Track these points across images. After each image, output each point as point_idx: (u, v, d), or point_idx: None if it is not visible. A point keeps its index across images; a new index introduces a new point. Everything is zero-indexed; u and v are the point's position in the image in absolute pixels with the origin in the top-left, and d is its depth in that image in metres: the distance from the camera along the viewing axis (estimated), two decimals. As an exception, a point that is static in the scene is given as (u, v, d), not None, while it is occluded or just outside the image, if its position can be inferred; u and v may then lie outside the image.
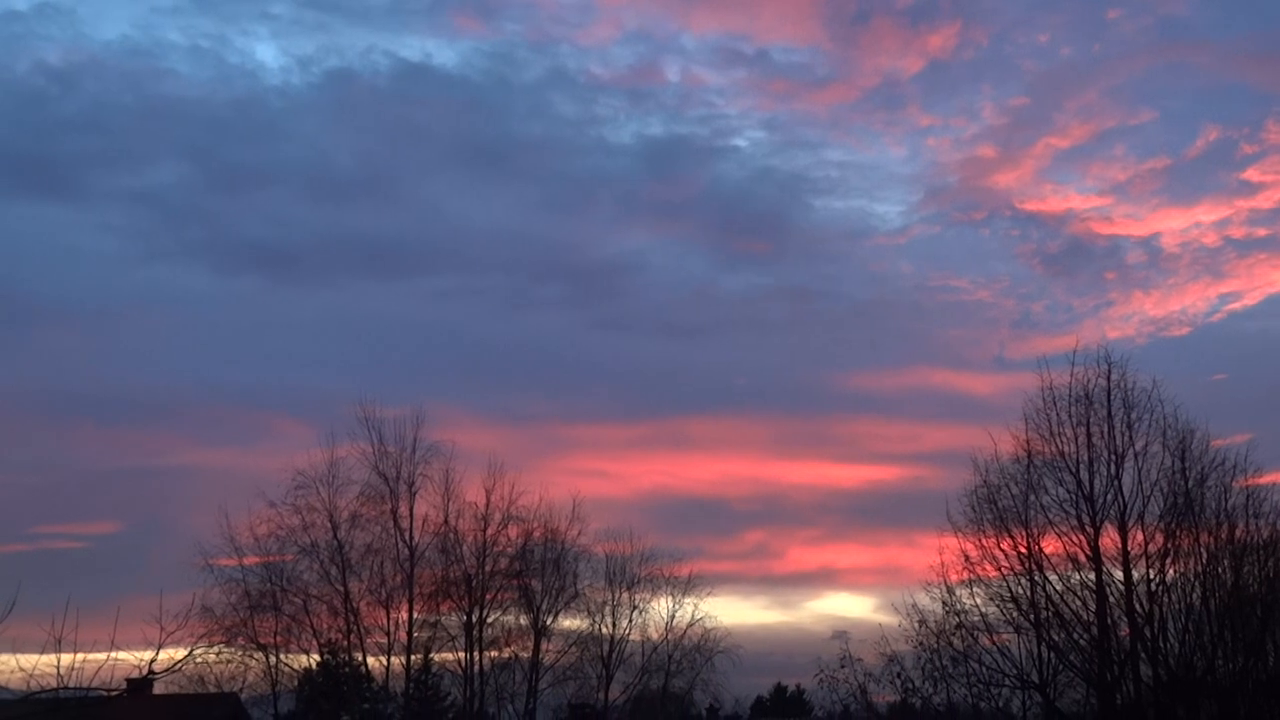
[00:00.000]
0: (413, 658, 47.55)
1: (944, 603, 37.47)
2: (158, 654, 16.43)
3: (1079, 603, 35.29)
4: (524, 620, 49.54)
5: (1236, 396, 65.49)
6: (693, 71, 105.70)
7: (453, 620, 48.25)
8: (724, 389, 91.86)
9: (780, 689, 75.63)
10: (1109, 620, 34.94)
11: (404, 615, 46.89)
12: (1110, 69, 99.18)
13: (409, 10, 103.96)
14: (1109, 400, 35.53)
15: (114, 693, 17.51)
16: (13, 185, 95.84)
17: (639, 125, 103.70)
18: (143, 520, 72.81)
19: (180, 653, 17.55)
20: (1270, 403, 65.61)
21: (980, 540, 36.65)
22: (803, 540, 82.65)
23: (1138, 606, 34.39)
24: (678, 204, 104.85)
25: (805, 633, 70.90)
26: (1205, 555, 35.05)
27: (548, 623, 49.79)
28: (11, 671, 16.40)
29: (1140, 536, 34.68)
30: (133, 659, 16.70)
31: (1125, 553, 34.59)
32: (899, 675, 38.28)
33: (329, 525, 46.55)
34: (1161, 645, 34.38)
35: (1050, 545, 35.87)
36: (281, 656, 46.46)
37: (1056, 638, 35.56)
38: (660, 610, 52.14)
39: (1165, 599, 34.61)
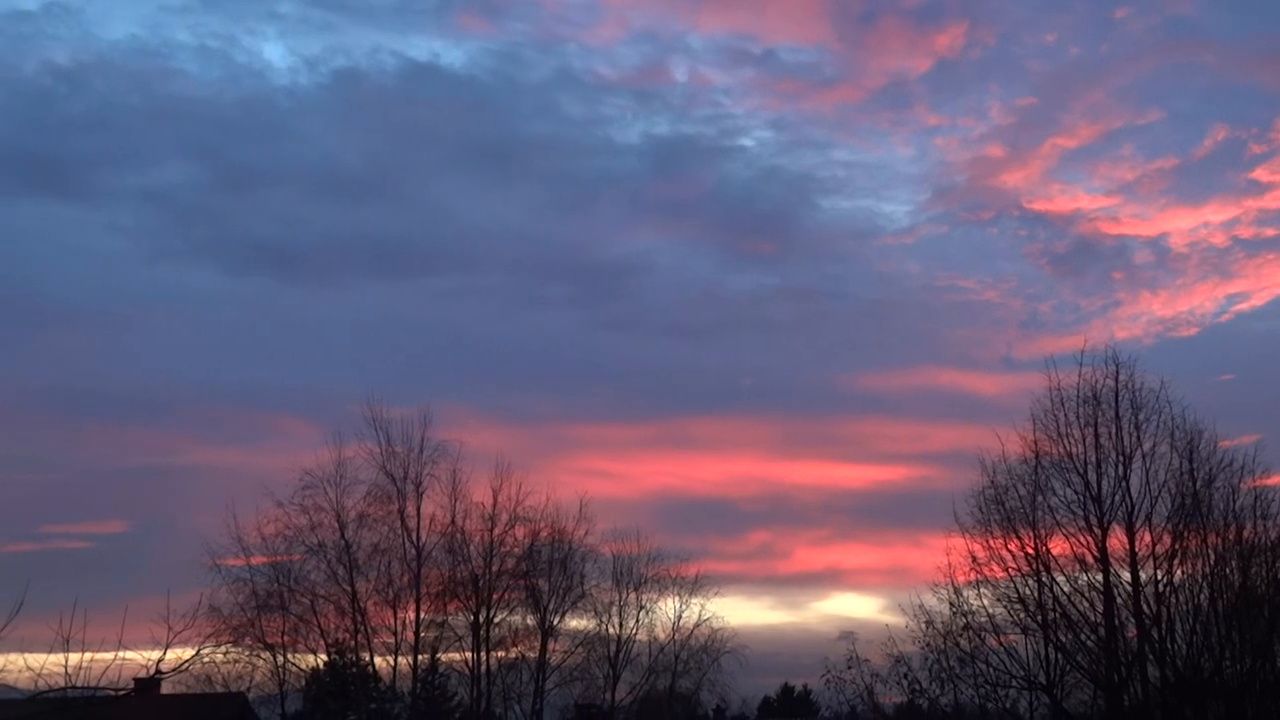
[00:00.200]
0: (420, 658, 47.65)
1: (951, 603, 37.39)
2: (165, 654, 16.46)
3: (1086, 604, 35.22)
4: (531, 620, 49.66)
5: (1244, 397, 65.30)
6: (699, 71, 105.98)
7: (460, 620, 48.37)
8: (730, 389, 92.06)
9: (787, 689, 75.75)
10: (1116, 621, 34.86)
11: (411, 615, 47.04)
12: (1118, 69, 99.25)
13: (416, 10, 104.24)
14: (1117, 401, 35.44)
15: (122, 692, 17.53)
16: (21, 184, 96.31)
17: (646, 125, 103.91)
18: (150, 520, 73.05)
19: (188, 652, 17.58)
20: (1278, 403, 65.63)
21: (987, 541, 36.59)
22: (809, 541, 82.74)
23: (1145, 608, 34.32)
24: (684, 204, 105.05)
25: (812, 633, 70.95)
26: (1213, 556, 34.94)
27: (554, 623, 49.92)
28: (19, 671, 16.42)
29: (1148, 537, 34.62)
30: (140, 658, 16.73)
31: (1133, 554, 34.51)
32: (906, 676, 38.18)
33: (336, 525, 46.68)
34: (1169, 646, 34.29)
35: (1057, 546, 35.82)
36: (289, 656, 46.62)
37: (1064, 639, 35.48)
38: (667, 610, 52.26)
39: (1173, 600, 34.52)
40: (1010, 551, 36.21)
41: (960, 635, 37.17)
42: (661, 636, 52.09)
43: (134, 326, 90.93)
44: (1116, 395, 35.44)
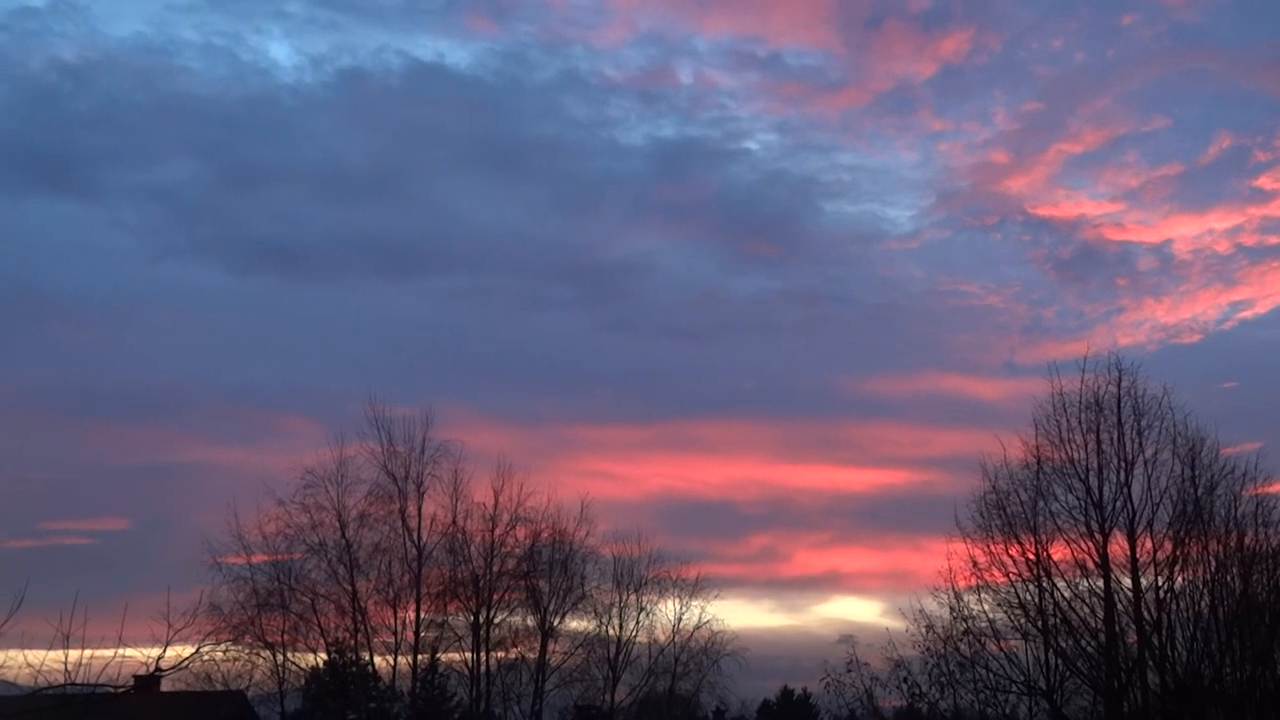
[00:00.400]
0: (420, 657, 47.64)
1: (951, 608, 37.40)
2: (165, 651, 16.44)
3: (1087, 610, 35.22)
4: (531, 621, 49.63)
5: (1247, 405, 65.27)
6: (705, 74, 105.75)
7: (460, 620, 48.34)
8: (733, 392, 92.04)
9: (787, 692, 75.73)
10: (1117, 627, 34.87)
11: (411, 615, 47.00)
12: (1124, 75, 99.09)
13: (422, 10, 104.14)
14: (1119, 407, 35.45)
15: (121, 689, 17.51)
16: (26, 181, 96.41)
17: (650, 127, 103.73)
18: (151, 517, 73.15)
19: (188, 650, 17.57)
20: (1281, 411, 65.49)
21: (988, 546, 36.60)
22: (810, 544, 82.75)
23: (1146, 614, 34.31)
24: (688, 206, 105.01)
25: (812, 636, 70.99)
26: (1214, 563, 34.95)
27: (555, 624, 49.88)
28: (19, 667, 16.41)
29: (1149, 544, 34.61)
30: (140, 656, 16.72)
31: (1134, 560, 34.50)
32: (906, 680, 38.19)
33: (337, 524, 46.65)
34: (1169, 653, 34.28)
35: (1059, 552, 35.83)
36: (289, 655, 46.59)
37: (1064, 644, 35.49)
38: (667, 612, 52.20)
39: (1173, 607, 34.51)
40: (1011, 556, 36.25)
41: (960, 640, 37.19)
42: (661, 638, 52.14)
43: (137, 324, 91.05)
44: (1119, 401, 35.47)
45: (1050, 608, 35.57)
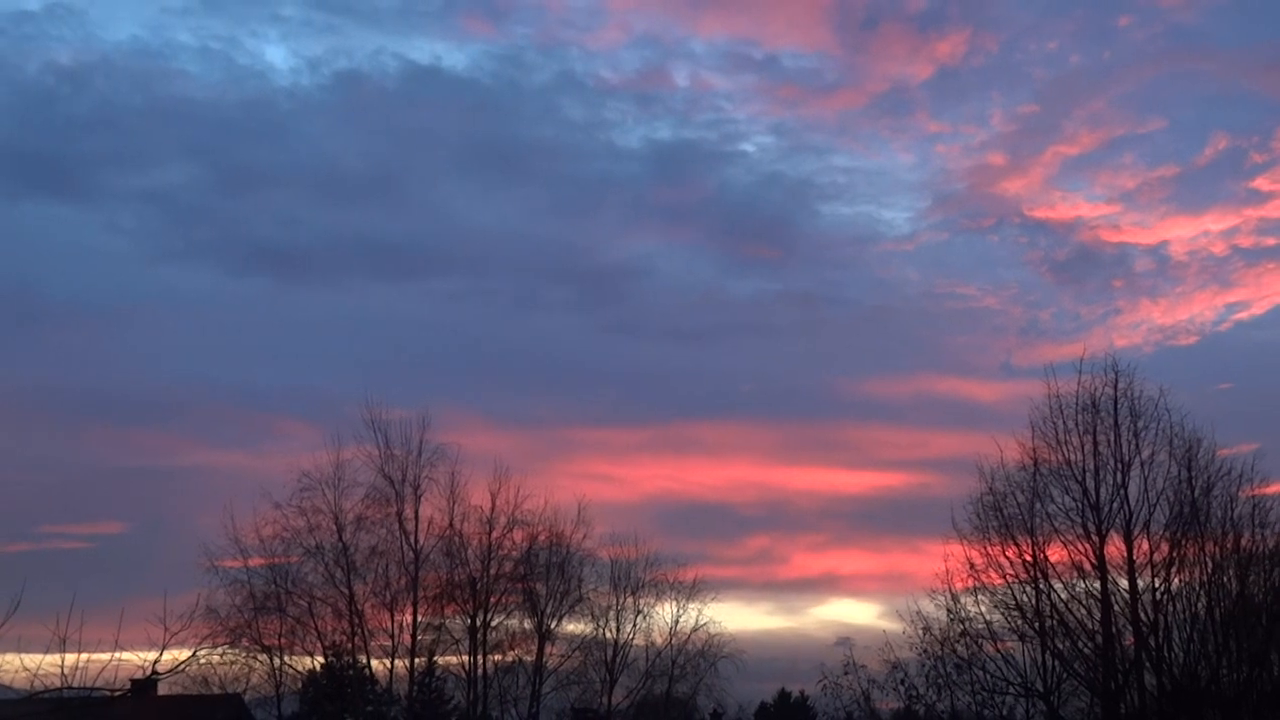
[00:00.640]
0: (417, 661, 47.55)
1: (948, 610, 37.47)
2: (162, 655, 16.49)
3: (1084, 611, 35.26)
4: (528, 624, 49.56)
5: (1243, 406, 65.28)
6: (701, 76, 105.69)
7: (457, 623, 48.24)
8: (730, 394, 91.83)
9: (784, 695, 75.57)
10: (1114, 629, 34.90)
11: (408, 618, 46.88)
12: (1120, 77, 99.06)
13: (419, 13, 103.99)
14: (1115, 409, 35.50)
15: (118, 693, 17.53)
16: (22, 184, 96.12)
17: (647, 129, 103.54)
18: (148, 520, 72.93)
19: (184, 654, 17.62)
20: (1277, 412, 65.61)
21: (985, 548, 36.66)
22: (807, 546, 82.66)
23: (1142, 615, 34.34)
24: (685, 208, 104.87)
25: (809, 639, 70.87)
26: (1210, 565, 35.02)
27: (552, 627, 49.82)
28: (16, 671, 16.43)
29: (1145, 545, 34.65)
30: (137, 659, 16.76)
31: (1130, 561, 34.55)
32: (903, 682, 38.26)
33: (334, 527, 46.53)
34: (1166, 654, 34.33)
35: (1055, 553, 35.88)
36: (285, 658, 46.47)
37: (1061, 646, 35.52)
38: (664, 615, 52.10)
39: (1170, 608, 34.57)
40: (1008, 558, 36.31)
41: (957, 642, 37.25)
42: (659, 641, 52.06)
43: (134, 327, 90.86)
44: (1115, 403, 35.53)
45: (1047, 609, 35.61)
